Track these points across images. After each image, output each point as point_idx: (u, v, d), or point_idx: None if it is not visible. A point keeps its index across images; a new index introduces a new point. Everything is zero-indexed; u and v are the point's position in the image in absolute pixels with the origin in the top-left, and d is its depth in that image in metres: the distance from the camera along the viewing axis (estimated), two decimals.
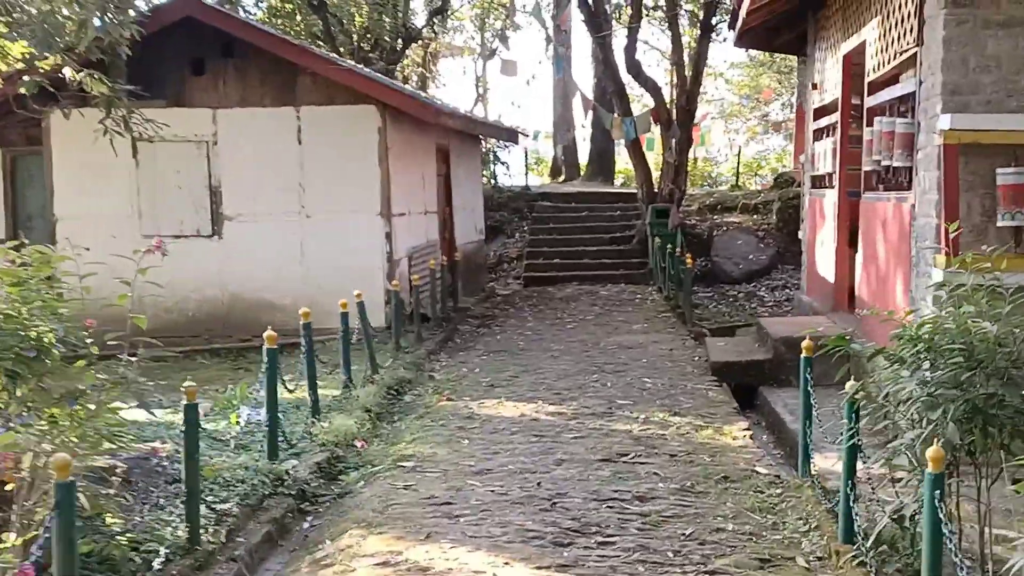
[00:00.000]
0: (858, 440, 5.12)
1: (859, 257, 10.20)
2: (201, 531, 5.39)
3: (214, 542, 5.45)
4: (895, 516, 4.64)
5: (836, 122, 11.32)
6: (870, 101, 9.61)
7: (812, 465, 6.49)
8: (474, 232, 18.77)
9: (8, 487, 4.66)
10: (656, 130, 21.00)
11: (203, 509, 5.55)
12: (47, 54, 8.93)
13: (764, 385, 9.96)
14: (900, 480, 4.75)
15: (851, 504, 5.10)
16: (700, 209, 22.04)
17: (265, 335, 7.22)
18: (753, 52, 30.20)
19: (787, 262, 18.39)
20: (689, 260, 14.85)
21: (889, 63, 8.85)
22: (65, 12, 8.59)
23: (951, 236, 5.85)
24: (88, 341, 5.01)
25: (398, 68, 25.69)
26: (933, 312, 4.90)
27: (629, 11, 21.14)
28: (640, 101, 29.14)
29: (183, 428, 5.38)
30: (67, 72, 8.95)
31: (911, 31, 8.01)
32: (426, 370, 10.91)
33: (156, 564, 4.83)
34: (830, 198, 11.66)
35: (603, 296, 17.30)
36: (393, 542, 5.58)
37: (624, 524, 5.79)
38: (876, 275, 9.41)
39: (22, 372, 4.61)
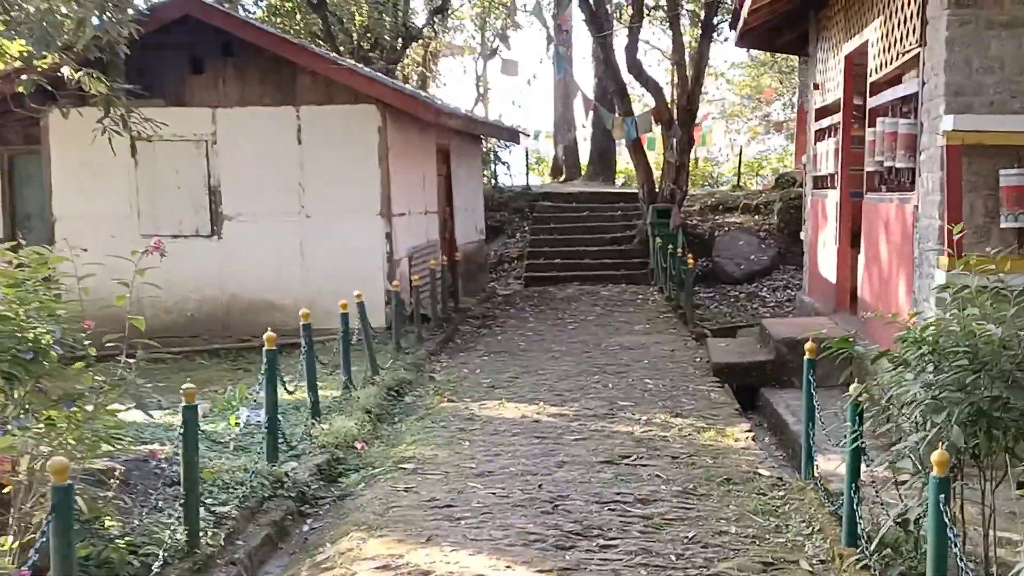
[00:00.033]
0: (862, 443, 5.09)
1: (861, 258, 10.18)
2: (200, 534, 5.35)
3: (213, 545, 5.41)
4: (899, 520, 4.61)
5: (838, 122, 11.30)
6: (872, 102, 9.59)
7: (815, 467, 6.45)
8: (475, 232, 18.73)
9: (5, 490, 4.63)
10: (657, 130, 20.97)
11: (202, 512, 5.51)
12: (45, 53, 8.88)
13: (766, 386, 9.94)
14: (904, 483, 4.72)
15: (855, 507, 5.07)
16: (701, 209, 22.04)
17: (264, 336, 7.19)
18: (754, 52, 30.26)
19: (788, 262, 18.39)
20: (690, 260, 14.82)
21: (891, 64, 8.82)
22: (63, 10, 8.54)
23: (954, 237, 5.84)
24: (86, 342, 4.98)
25: (398, 67, 25.67)
26: (937, 314, 4.87)
27: (630, 11, 21.13)
28: (641, 101, 29.14)
29: (182, 430, 5.34)
30: (65, 71, 8.91)
31: (914, 32, 7.98)
32: (426, 371, 10.88)
33: (155, 567, 4.79)
34: (832, 199, 11.64)
35: (604, 296, 17.28)
36: (394, 545, 5.55)
37: (626, 527, 5.76)
38: (878, 276, 9.38)
39: (19, 374, 4.57)
